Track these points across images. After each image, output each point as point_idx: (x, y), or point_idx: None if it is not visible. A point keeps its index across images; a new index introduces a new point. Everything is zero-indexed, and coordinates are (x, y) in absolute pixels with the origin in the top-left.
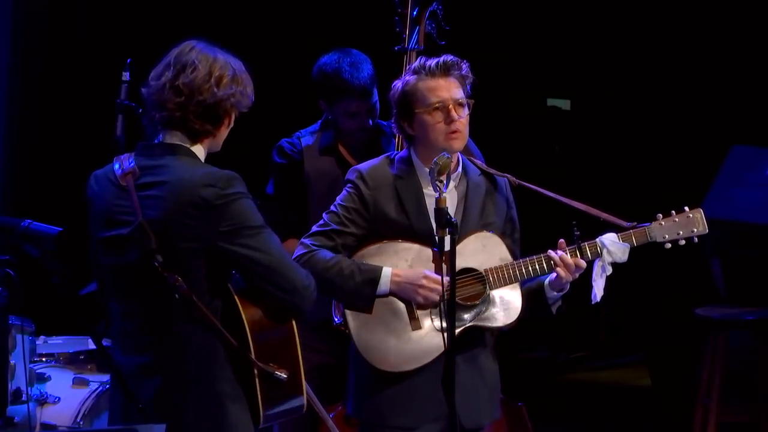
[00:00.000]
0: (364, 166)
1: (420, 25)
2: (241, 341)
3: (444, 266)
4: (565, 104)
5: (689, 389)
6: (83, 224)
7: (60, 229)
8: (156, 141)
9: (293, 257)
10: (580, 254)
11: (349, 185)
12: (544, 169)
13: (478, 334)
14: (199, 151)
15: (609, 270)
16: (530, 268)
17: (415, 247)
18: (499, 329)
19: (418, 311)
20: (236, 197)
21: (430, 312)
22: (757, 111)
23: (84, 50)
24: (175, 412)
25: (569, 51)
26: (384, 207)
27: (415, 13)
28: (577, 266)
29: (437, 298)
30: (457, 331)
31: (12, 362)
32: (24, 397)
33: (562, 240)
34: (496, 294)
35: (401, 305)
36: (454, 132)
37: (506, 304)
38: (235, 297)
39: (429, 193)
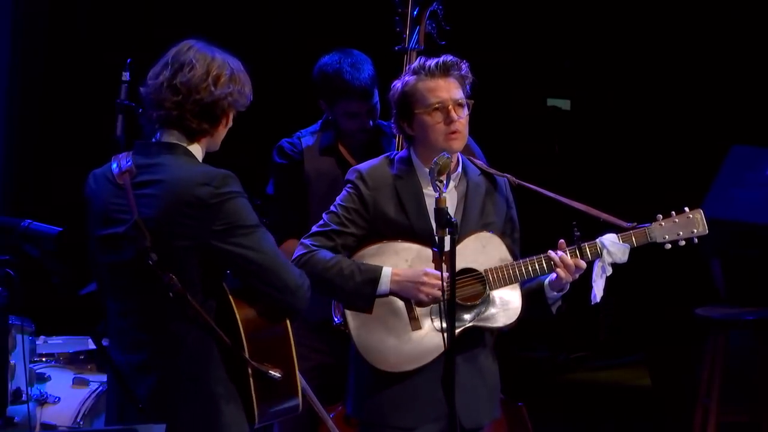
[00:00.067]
0: (363, 166)
1: (420, 24)
2: (235, 340)
3: (444, 266)
4: (565, 104)
5: (689, 389)
6: (83, 224)
7: (60, 229)
8: (153, 140)
9: (293, 257)
10: (580, 255)
11: (349, 185)
12: (544, 169)
13: (478, 334)
14: (197, 150)
15: (609, 270)
16: (530, 269)
17: (415, 247)
18: (499, 329)
19: (417, 311)
20: (231, 196)
21: (430, 312)
22: (757, 111)
23: (84, 50)
24: (170, 411)
25: (569, 51)
26: (384, 207)
27: (415, 13)
28: (577, 267)
29: (439, 294)
30: (457, 331)
31: (12, 362)
32: (24, 397)
33: (562, 240)
34: (496, 294)
35: (401, 305)
36: (453, 132)
37: (506, 305)
38: (230, 296)
39: (429, 193)
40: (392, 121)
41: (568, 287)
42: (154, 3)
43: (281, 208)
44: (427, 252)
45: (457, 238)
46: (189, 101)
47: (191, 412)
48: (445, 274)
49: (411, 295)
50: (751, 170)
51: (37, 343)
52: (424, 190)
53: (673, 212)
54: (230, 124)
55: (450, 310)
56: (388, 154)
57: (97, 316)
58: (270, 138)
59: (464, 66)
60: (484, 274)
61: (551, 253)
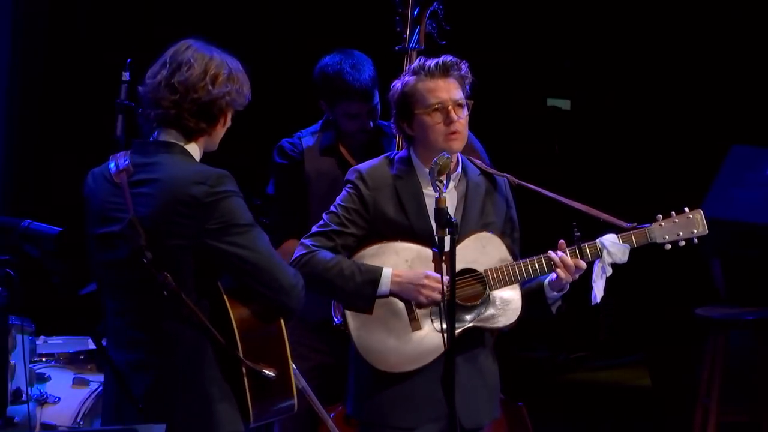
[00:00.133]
0: (363, 166)
1: (421, 24)
2: (229, 340)
3: (444, 266)
4: (565, 104)
5: (689, 389)
6: (83, 224)
7: (60, 229)
8: (151, 139)
9: (293, 257)
10: (580, 255)
11: (349, 185)
12: (544, 169)
13: (477, 334)
14: (194, 149)
15: (609, 271)
16: (530, 269)
17: (415, 247)
18: (499, 329)
19: (418, 312)
20: (226, 195)
21: (430, 312)
22: (757, 111)
23: (84, 50)
24: (165, 410)
25: (569, 51)
26: (384, 207)
27: (415, 13)
28: (577, 267)
29: (439, 297)
30: (457, 331)
31: (12, 362)
32: (24, 397)
33: (562, 241)
34: (496, 294)
35: (401, 306)
36: (453, 133)
37: (506, 305)
38: (224, 296)
39: (429, 194)
40: (392, 121)
41: (568, 287)
42: (154, 3)
43: (281, 208)
44: (427, 252)
45: (457, 238)
46: (187, 100)
47: (186, 410)
48: (446, 277)
49: (411, 297)
50: (751, 170)
51: (37, 343)
52: (424, 191)
53: (673, 212)
54: (228, 123)
55: (450, 311)
56: (387, 154)
57: (97, 316)
58: (270, 138)
59: (464, 66)
60: (484, 274)
61: (551, 253)
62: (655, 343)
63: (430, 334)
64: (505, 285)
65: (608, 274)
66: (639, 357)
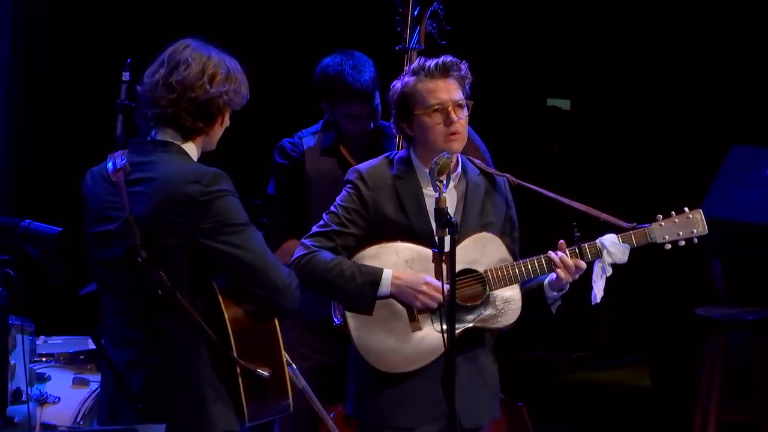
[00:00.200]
0: (363, 166)
1: (421, 24)
2: (223, 339)
3: (444, 267)
4: (565, 104)
5: (689, 389)
6: (83, 224)
7: (60, 229)
8: (149, 138)
9: (293, 258)
10: (580, 255)
11: (349, 186)
12: (544, 169)
13: (477, 334)
14: (191, 149)
15: (609, 271)
16: (530, 269)
17: (415, 247)
18: (499, 329)
19: (418, 312)
20: (221, 194)
21: (431, 313)
22: (757, 111)
23: (84, 50)
24: (159, 408)
25: (569, 51)
26: (384, 207)
27: (416, 12)
28: (577, 267)
29: (435, 304)
30: (457, 332)
31: (12, 362)
32: (24, 397)
33: (562, 241)
34: (496, 294)
35: (401, 306)
36: (453, 134)
37: (506, 305)
38: (218, 295)
39: (429, 194)
40: (392, 121)
41: (568, 287)
42: (154, 3)
43: (282, 209)
44: (427, 252)
45: (457, 239)
46: (184, 99)
47: (180, 409)
48: (446, 285)
49: (407, 301)
50: (751, 170)
51: (37, 343)
52: (423, 191)
53: (673, 212)
54: (226, 123)
55: (450, 311)
56: (387, 154)
57: (97, 316)
58: (271, 138)
59: (464, 66)
60: (484, 274)
61: (551, 253)
62: (655, 343)
63: (430, 335)
64: (505, 285)
65: (608, 274)
66: (639, 357)
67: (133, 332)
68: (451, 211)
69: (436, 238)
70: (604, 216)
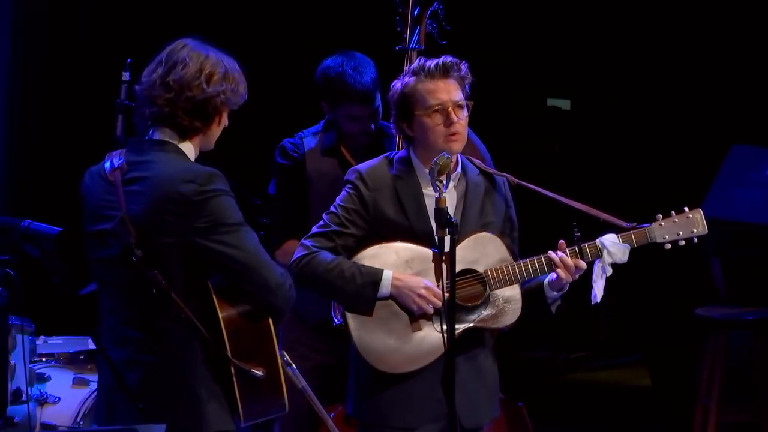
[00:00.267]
0: (363, 166)
1: (421, 24)
2: (217, 339)
3: (444, 267)
4: (565, 104)
5: (689, 389)
6: (82, 224)
7: (60, 229)
8: (146, 137)
9: (293, 258)
10: (580, 255)
11: (349, 186)
12: (544, 169)
13: (477, 334)
14: (188, 148)
15: (609, 271)
16: (530, 269)
17: (415, 247)
18: (499, 329)
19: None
20: (215, 194)
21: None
22: (757, 111)
23: (84, 50)
24: (154, 408)
25: (569, 51)
26: (384, 208)
27: (416, 12)
28: (577, 267)
29: (432, 310)
30: (458, 331)
31: (12, 362)
32: (24, 397)
33: (562, 241)
34: (496, 294)
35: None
36: (453, 134)
37: (506, 305)
38: (213, 295)
39: (428, 194)
40: (391, 121)
41: (568, 287)
42: (154, 3)
43: (283, 209)
44: (427, 252)
45: (457, 239)
46: (181, 99)
47: (174, 409)
48: (446, 282)
49: (405, 303)
50: (751, 170)
51: (37, 343)
52: (423, 191)
53: (673, 212)
54: (224, 122)
55: (450, 311)
56: (387, 154)
57: (97, 316)
58: (272, 138)
59: (464, 67)
60: (484, 274)
61: (551, 253)
62: (655, 343)
63: (430, 335)
64: (505, 285)
65: (608, 274)
66: (639, 357)
67: (129, 331)
68: (450, 211)
69: (436, 238)
70: (604, 216)
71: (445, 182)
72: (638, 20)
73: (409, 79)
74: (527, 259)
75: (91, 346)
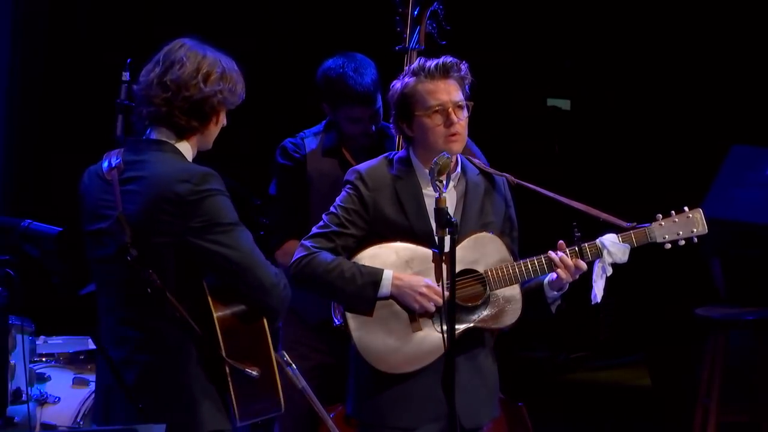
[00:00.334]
0: (363, 166)
1: (421, 24)
2: (212, 338)
3: (444, 267)
4: (565, 104)
5: (689, 389)
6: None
7: (60, 229)
8: (144, 137)
9: (293, 259)
10: (581, 255)
11: (348, 186)
12: (544, 169)
13: (477, 334)
14: (186, 148)
15: (609, 271)
16: (530, 269)
17: (415, 248)
18: (500, 329)
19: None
20: (210, 194)
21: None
22: (757, 111)
23: (84, 50)
24: (149, 407)
25: (569, 51)
26: (383, 208)
27: (416, 12)
28: (577, 267)
29: (433, 308)
30: (458, 332)
31: (12, 362)
32: (24, 397)
33: (561, 242)
34: (497, 294)
35: (401, 307)
36: (453, 135)
37: (506, 305)
38: (208, 294)
39: (428, 194)
40: (391, 121)
41: (568, 286)
42: (154, 3)
43: (283, 209)
44: (427, 252)
45: (457, 239)
46: (178, 98)
47: (169, 408)
48: (446, 282)
49: (406, 303)
50: (751, 170)
51: (37, 343)
52: (423, 191)
53: (673, 212)
54: (222, 122)
55: (450, 311)
56: (386, 154)
57: (96, 316)
58: (273, 138)
59: (464, 67)
60: (484, 274)
61: (551, 253)
62: (655, 343)
63: (430, 335)
64: (506, 285)
65: (608, 274)
66: (639, 357)
67: (126, 331)
68: (450, 211)
69: (436, 238)
70: (604, 216)
71: (444, 182)
72: (638, 20)
73: (409, 80)
74: (527, 259)
75: (91, 346)
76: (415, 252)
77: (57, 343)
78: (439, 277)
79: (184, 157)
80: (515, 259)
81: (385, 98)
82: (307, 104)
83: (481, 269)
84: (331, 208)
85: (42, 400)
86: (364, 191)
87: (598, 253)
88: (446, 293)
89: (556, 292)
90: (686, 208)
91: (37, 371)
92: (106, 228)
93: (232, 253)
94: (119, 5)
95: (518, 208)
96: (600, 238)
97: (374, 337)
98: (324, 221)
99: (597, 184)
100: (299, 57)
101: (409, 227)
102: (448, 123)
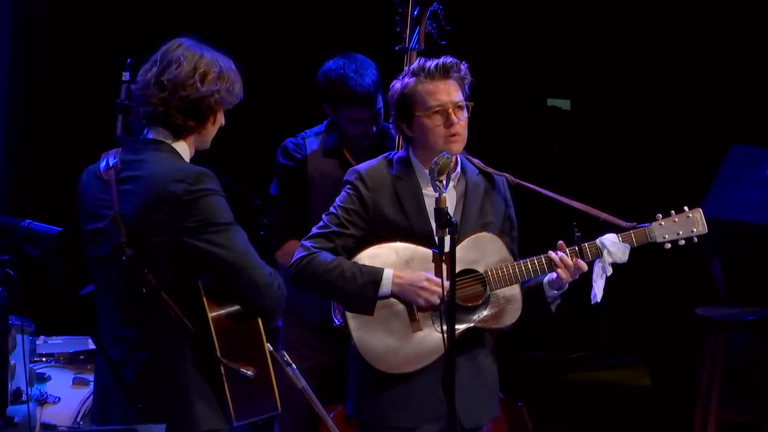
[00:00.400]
0: (362, 166)
1: (421, 24)
2: (206, 338)
3: (444, 267)
4: (565, 104)
5: (689, 389)
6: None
7: (60, 229)
8: (141, 137)
9: (293, 259)
10: (581, 255)
11: (348, 186)
12: (544, 169)
13: (477, 334)
14: (183, 147)
15: (609, 270)
16: (530, 269)
17: (415, 248)
18: (500, 329)
19: (418, 313)
20: (205, 193)
21: (431, 313)
22: (757, 111)
23: (84, 50)
24: (146, 406)
25: (569, 51)
26: (383, 208)
27: (415, 12)
28: (577, 267)
29: (438, 300)
30: (458, 332)
31: (12, 362)
32: (24, 397)
33: (561, 242)
34: (497, 294)
35: (402, 307)
36: (453, 135)
37: (507, 305)
38: (203, 294)
39: (428, 194)
40: (391, 121)
41: (567, 286)
42: (154, 3)
43: (284, 209)
44: (427, 252)
45: (457, 239)
46: (175, 98)
47: (165, 408)
48: (446, 283)
49: (410, 299)
50: (751, 170)
51: (37, 343)
52: (423, 191)
53: (673, 212)
54: (220, 122)
55: (450, 311)
56: (386, 154)
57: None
58: (274, 138)
59: (463, 67)
60: (484, 274)
61: (551, 253)
62: (655, 343)
63: (430, 335)
64: (506, 285)
65: (608, 274)
66: (639, 357)
67: (122, 330)
68: (450, 211)
69: (436, 238)
70: (604, 216)
71: (444, 182)
72: (638, 20)
73: (408, 80)
74: (527, 259)
75: (91, 346)
76: (415, 252)
77: (57, 343)
78: (438, 277)
79: (181, 156)
80: (515, 259)
81: (385, 98)
82: (307, 104)
83: (481, 269)
84: (331, 209)
85: (42, 400)
86: (364, 191)
87: (598, 253)
88: (446, 293)
89: (555, 292)
90: (686, 208)
91: (37, 371)
92: (103, 227)
93: (226, 253)
94: (119, 5)
95: (518, 208)
96: (600, 238)
97: (374, 337)
98: (324, 221)
99: (597, 184)
100: (299, 57)
101: (409, 227)
102: (448, 123)
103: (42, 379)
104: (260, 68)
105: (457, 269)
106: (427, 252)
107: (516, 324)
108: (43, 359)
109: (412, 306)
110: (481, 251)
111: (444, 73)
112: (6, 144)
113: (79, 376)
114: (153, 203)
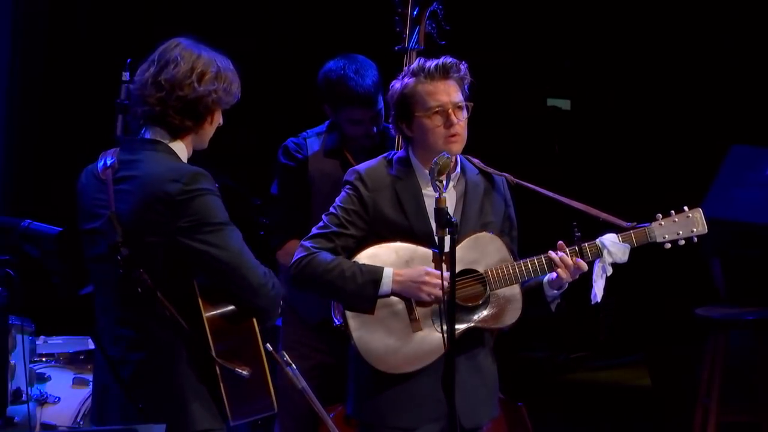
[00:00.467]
0: (362, 167)
1: (420, 24)
2: (202, 338)
3: (444, 267)
4: (565, 104)
5: (689, 389)
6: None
7: (60, 229)
8: (138, 137)
9: (293, 260)
10: (581, 255)
11: (348, 186)
12: (544, 169)
13: (477, 334)
14: (180, 147)
15: (609, 270)
16: (530, 269)
17: (415, 247)
18: (500, 329)
19: (418, 313)
20: (200, 193)
21: (431, 313)
22: (757, 111)
23: (84, 50)
24: (143, 406)
25: (569, 51)
26: (383, 208)
27: (415, 12)
28: (577, 267)
29: (440, 293)
30: (458, 332)
31: (12, 362)
32: (24, 397)
33: (561, 242)
34: (497, 294)
35: (402, 307)
36: (453, 135)
37: (506, 305)
38: (198, 294)
39: (428, 194)
40: (391, 121)
41: (567, 285)
42: (154, 3)
43: (285, 209)
44: (427, 252)
45: (457, 239)
46: (172, 98)
47: (160, 407)
48: (446, 274)
49: (412, 295)
50: (751, 170)
51: (37, 343)
52: (423, 191)
53: (673, 212)
54: (218, 121)
55: (450, 311)
56: (386, 154)
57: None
58: (274, 137)
59: (463, 67)
60: (484, 274)
61: (551, 253)
62: (655, 343)
63: (430, 335)
64: (506, 285)
65: (608, 274)
66: (639, 357)
67: (119, 330)
68: (450, 211)
69: (436, 238)
70: (604, 216)
71: (444, 182)
72: (638, 20)
73: (408, 80)
74: (527, 259)
75: (91, 346)
76: (415, 252)
77: (57, 343)
78: None
79: (178, 156)
80: (515, 259)
81: (385, 99)
82: (307, 104)
83: (481, 269)
84: (331, 209)
85: (42, 400)
86: (364, 191)
87: (598, 253)
88: (446, 285)
89: (555, 291)
90: (686, 208)
91: (37, 371)
92: (99, 227)
93: (221, 253)
94: (119, 5)
95: (518, 208)
96: (600, 237)
97: (374, 337)
98: (324, 222)
99: (597, 184)
100: (299, 57)
101: (408, 227)
102: (448, 124)
103: (42, 379)
104: (260, 68)
105: (457, 269)
106: (427, 252)
107: (516, 324)
108: (43, 359)
109: (412, 305)
110: (481, 251)
111: (444, 73)
112: (6, 144)
113: (79, 376)
114: (149, 203)
